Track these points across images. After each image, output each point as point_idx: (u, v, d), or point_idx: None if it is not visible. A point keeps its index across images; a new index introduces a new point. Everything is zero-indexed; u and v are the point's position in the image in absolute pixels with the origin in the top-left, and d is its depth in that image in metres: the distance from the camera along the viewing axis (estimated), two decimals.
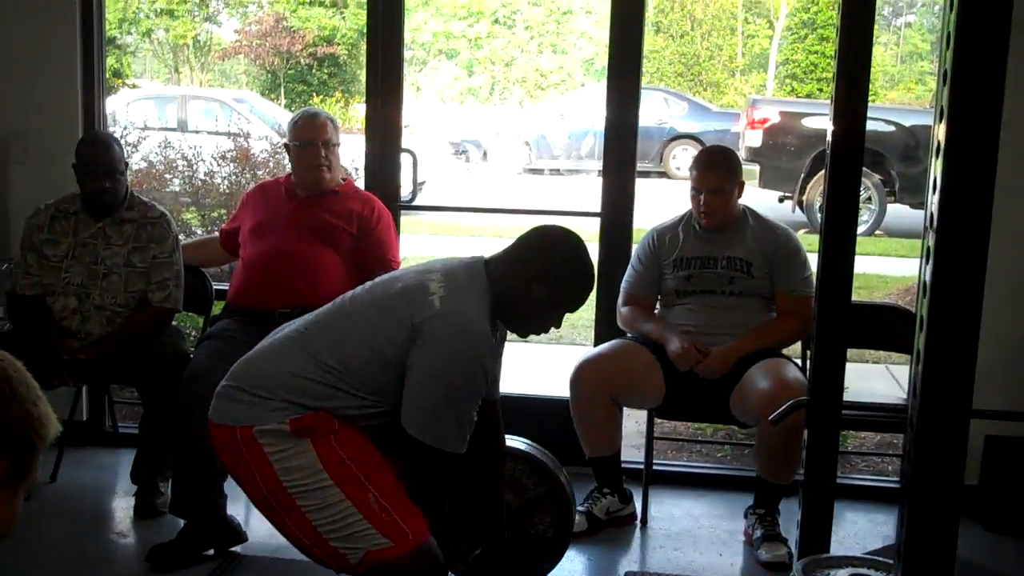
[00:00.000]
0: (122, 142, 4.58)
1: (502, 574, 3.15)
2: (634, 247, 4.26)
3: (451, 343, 2.60)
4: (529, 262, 2.76)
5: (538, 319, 2.83)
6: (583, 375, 3.91)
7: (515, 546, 3.25)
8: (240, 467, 2.66)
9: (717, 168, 4.01)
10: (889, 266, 9.19)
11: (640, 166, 4.51)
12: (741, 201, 4.07)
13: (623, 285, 4.15)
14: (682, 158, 14.21)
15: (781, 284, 3.94)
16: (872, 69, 2.54)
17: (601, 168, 4.48)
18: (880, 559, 2.25)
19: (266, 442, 2.60)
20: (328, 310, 2.82)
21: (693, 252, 4.02)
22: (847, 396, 2.87)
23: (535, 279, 2.74)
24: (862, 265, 8.87)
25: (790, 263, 3.95)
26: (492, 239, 10.33)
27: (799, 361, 4.01)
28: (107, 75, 4.86)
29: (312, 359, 2.66)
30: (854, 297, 2.66)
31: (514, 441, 3.31)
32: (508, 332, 2.97)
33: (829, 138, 2.59)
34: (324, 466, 2.59)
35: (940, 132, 1.64)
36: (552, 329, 2.90)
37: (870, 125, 2.61)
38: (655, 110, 14.63)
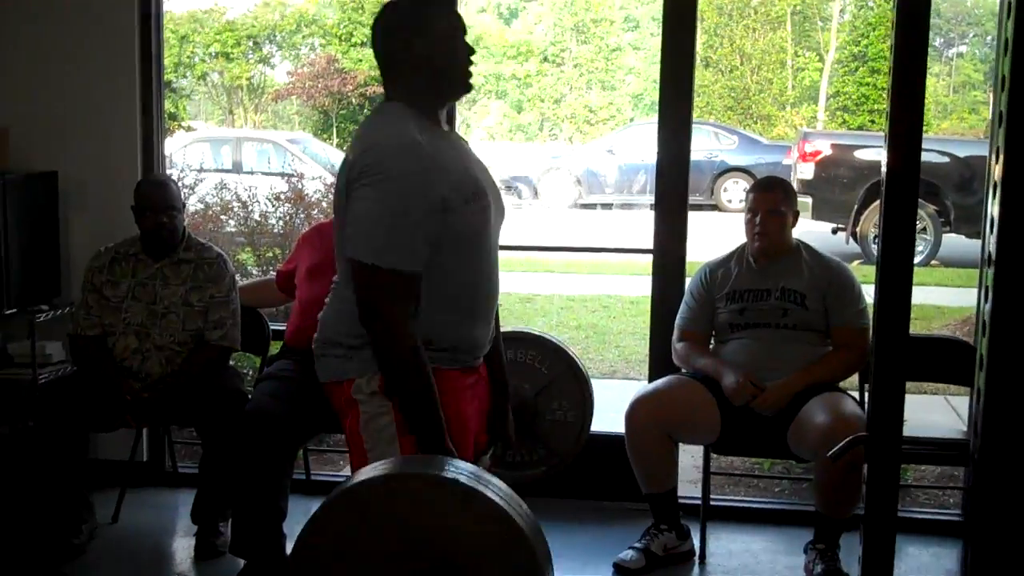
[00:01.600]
0: (178, 183, 4.65)
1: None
2: (687, 282, 4.26)
3: (376, 169, 2.44)
4: (391, 39, 2.62)
5: (451, 62, 2.62)
6: (638, 411, 3.90)
7: (535, 435, 3.19)
8: (342, 416, 2.63)
9: (775, 191, 4.05)
10: (945, 297, 9.09)
11: (691, 199, 4.51)
12: (795, 235, 4.08)
13: (677, 321, 4.14)
14: (733, 191, 14.18)
15: (836, 319, 3.92)
16: (926, 99, 2.53)
17: (653, 203, 4.48)
18: None
19: (360, 399, 2.56)
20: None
21: (746, 285, 4.02)
22: (906, 429, 2.84)
23: (410, 40, 2.58)
24: (918, 296, 8.69)
25: (844, 296, 3.93)
26: (544, 274, 10.35)
27: (856, 395, 3.98)
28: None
29: (348, 289, 2.57)
30: (910, 328, 2.63)
31: (522, 328, 3.26)
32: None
33: (884, 170, 2.58)
34: (398, 437, 2.53)
35: (996, 171, 1.64)
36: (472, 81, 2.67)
37: (924, 156, 2.60)
38: (705, 144, 14.60)
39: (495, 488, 2.00)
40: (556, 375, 3.22)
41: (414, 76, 2.61)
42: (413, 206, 2.45)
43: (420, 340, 2.49)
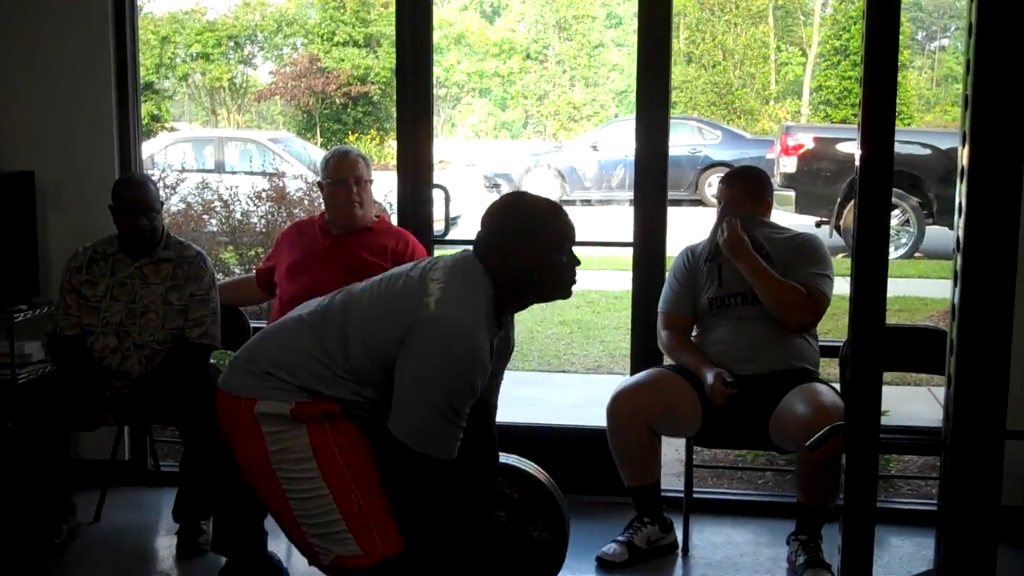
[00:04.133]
0: (158, 183, 4.62)
1: None
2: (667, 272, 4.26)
3: (441, 347, 2.61)
4: (508, 226, 2.78)
5: (554, 275, 2.82)
6: (620, 405, 3.91)
7: (516, 561, 3.26)
8: (235, 434, 2.76)
9: (761, 195, 4.17)
10: (928, 288, 9.13)
11: (674, 195, 4.55)
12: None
13: (660, 306, 4.14)
14: (717, 186, 14.24)
15: (792, 276, 3.89)
16: (907, 92, 2.55)
17: (633, 198, 4.48)
18: None
19: (264, 421, 2.69)
20: (341, 297, 2.85)
21: (723, 254, 4.02)
22: (889, 420, 2.85)
23: (523, 244, 2.75)
24: (902, 287, 8.82)
25: (804, 256, 3.96)
26: None
27: (837, 386, 3.99)
28: (145, 120, 4.94)
29: (318, 344, 2.73)
30: (894, 320, 2.66)
31: None
32: (513, 334, 3.01)
33: (857, 163, 2.59)
34: (314, 454, 2.66)
35: (964, 156, 1.65)
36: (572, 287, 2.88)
37: (907, 148, 2.61)
38: (689, 139, 14.64)
39: None
40: (527, 498, 3.31)
41: (516, 267, 2.76)
42: (462, 403, 2.66)
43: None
